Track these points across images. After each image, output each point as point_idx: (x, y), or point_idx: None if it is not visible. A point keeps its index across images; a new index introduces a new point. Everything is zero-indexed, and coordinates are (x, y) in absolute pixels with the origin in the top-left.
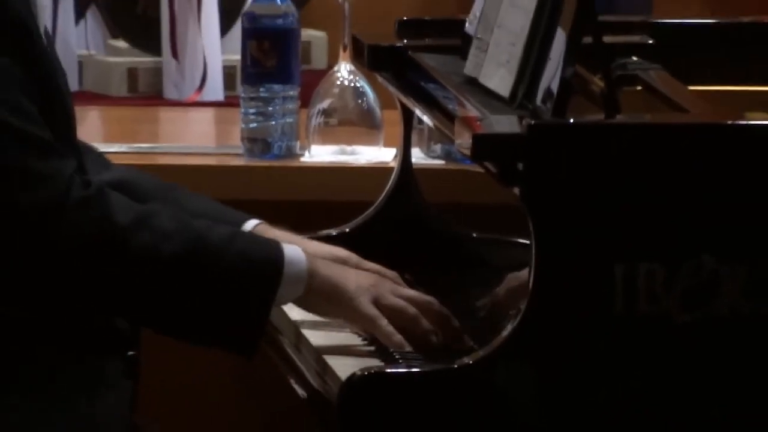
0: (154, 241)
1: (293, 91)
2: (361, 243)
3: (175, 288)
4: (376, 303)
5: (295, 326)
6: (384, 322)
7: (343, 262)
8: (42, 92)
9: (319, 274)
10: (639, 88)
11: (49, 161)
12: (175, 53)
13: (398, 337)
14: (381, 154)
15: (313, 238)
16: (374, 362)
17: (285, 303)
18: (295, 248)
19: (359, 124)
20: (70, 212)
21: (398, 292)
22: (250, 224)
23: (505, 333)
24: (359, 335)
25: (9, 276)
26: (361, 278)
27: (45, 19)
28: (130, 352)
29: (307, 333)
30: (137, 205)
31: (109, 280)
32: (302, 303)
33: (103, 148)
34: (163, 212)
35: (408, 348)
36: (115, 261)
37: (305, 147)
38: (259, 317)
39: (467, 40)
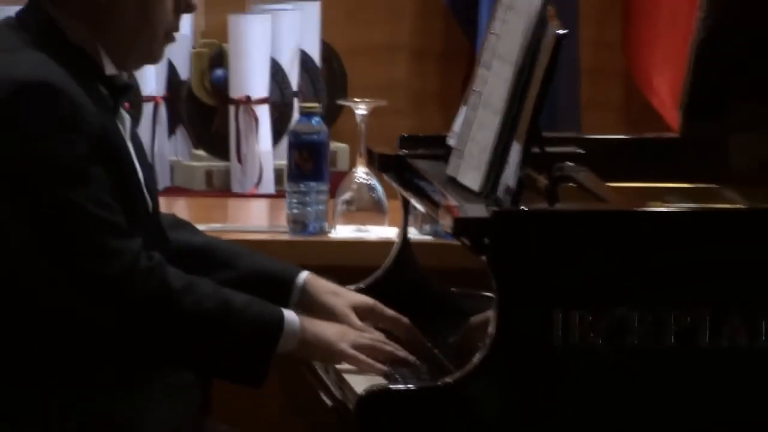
0: (196, 302)
1: (324, 187)
2: (373, 296)
3: (208, 336)
4: (354, 346)
5: None
6: (362, 357)
7: (371, 307)
8: (123, 189)
9: (308, 330)
10: (572, 184)
11: (120, 241)
12: (239, 159)
13: (378, 366)
14: (387, 232)
15: None
16: (380, 380)
17: (286, 350)
18: (291, 313)
19: (371, 210)
20: (138, 278)
21: (365, 335)
22: (304, 274)
23: (475, 360)
24: None
25: (92, 319)
26: (338, 330)
27: (142, 133)
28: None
29: None
30: (187, 275)
31: (163, 326)
32: (299, 352)
33: None
34: (205, 282)
35: (387, 369)
36: (168, 314)
37: (332, 226)
38: (265, 360)
39: (448, 150)
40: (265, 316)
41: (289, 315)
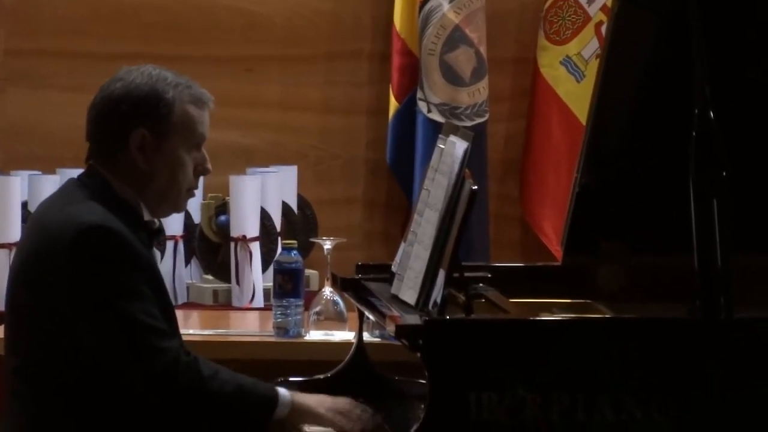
0: (220, 386)
1: (300, 302)
2: (337, 382)
3: (229, 409)
4: (332, 410)
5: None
6: (344, 420)
7: (348, 408)
8: (162, 303)
9: (296, 400)
10: (483, 300)
11: (166, 341)
12: (238, 282)
13: (358, 426)
14: (347, 335)
15: (309, 380)
16: None
17: (281, 416)
18: (284, 390)
19: (335, 319)
20: (180, 369)
21: (339, 400)
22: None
23: (413, 429)
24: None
25: (145, 401)
26: (318, 398)
27: (165, 263)
28: None
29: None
30: (212, 364)
31: (197, 404)
32: (291, 416)
33: (200, 330)
34: (223, 369)
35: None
36: (200, 394)
37: (307, 331)
38: (266, 422)
39: (392, 275)
40: (267, 393)
41: (282, 391)
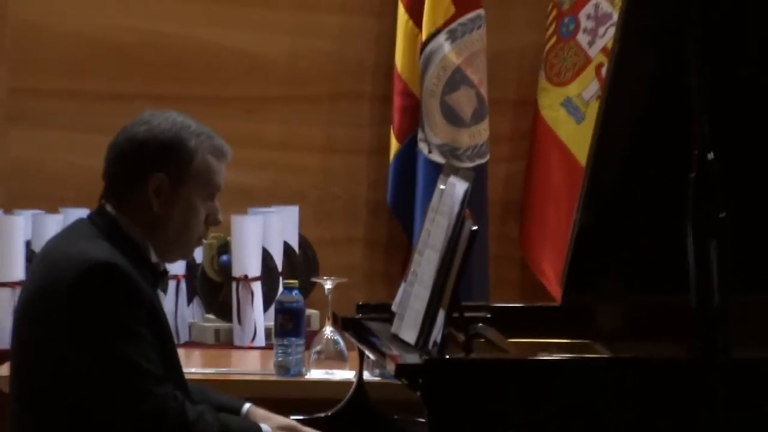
0: (204, 428)
1: (301, 341)
2: (338, 420)
3: None
4: None
5: None
6: None
7: (293, 427)
8: (163, 343)
9: None
10: (482, 340)
11: (157, 386)
12: (239, 321)
13: None
14: (347, 374)
15: (309, 418)
16: None
17: None
18: (267, 427)
19: (335, 358)
20: (168, 413)
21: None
22: (247, 405)
23: None
24: None
25: None
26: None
27: (168, 303)
28: None
29: None
30: (198, 408)
31: None
32: None
33: (198, 368)
34: (208, 411)
35: None
36: None
37: (308, 370)
38: None
39: (392, 314)
40: (250, 431)
41: (265, 427)
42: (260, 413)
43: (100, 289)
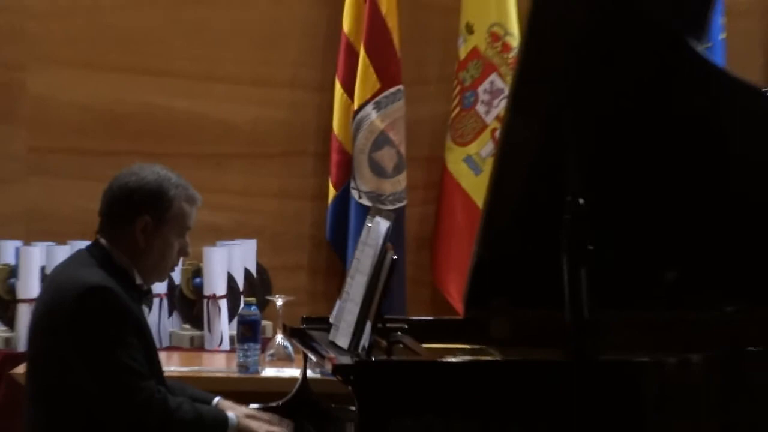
0: (182, 415)
1: (258, 347)
2: (287, 408)
3: (191, 430)
4: (264, 422)
5: None
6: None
7: (254, 414)
8: (147, 350)
9: (242, 422)
10: (401, 345)
11: (144, 382)
12: (209, 330)
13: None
14: (294, 372)
15: (264, 407)
16: None
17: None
18: (233, 414)
19: (285, 359)
20: (153, 404)
21: (263, 416)
22: (217, 397)
23: None
24: None
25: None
26: (258, 421)
27: (152, 316)
28: None
29: None
30: (177, 399)
31: (166, 429)
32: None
33: (177, 367)
34: (187, 402)
35: None
36: (168, 421)
37: (263, 369)
38: None
39: (330, 325)
40: (219, 417)
41: (231, 415)
42: (227, 404)
43: (95, 308)
